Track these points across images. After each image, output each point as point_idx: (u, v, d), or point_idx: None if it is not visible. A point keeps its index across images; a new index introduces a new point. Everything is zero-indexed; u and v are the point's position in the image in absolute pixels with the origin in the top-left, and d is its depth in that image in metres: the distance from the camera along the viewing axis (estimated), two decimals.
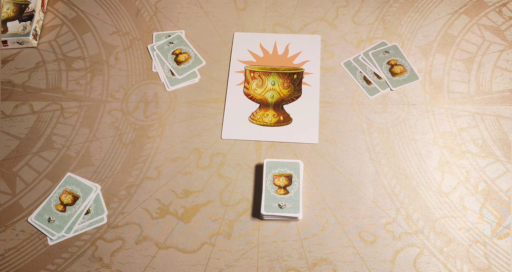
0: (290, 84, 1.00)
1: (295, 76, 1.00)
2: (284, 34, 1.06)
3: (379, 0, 1.09)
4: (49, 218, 0.88)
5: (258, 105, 0.99)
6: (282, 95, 0.99)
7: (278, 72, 1.00)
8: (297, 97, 0.99)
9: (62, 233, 0.87)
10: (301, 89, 1.00)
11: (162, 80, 1.02)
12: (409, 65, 1.01)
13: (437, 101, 0.97)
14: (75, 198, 0.90)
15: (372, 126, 0.96)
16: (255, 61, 1.03)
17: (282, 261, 0.84)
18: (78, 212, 0.89)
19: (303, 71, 1.01)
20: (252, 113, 0.98)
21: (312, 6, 1.09)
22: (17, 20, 1.06)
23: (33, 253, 0.87)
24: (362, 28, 1.06)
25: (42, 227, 0.88)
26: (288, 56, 1.03)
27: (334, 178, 0.91)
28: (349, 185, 0.90)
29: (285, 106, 0.99)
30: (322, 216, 0.88)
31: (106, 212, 0.89)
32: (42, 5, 1.10)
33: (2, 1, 1.08)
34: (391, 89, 0.99)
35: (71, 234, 0.87)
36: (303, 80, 1.01)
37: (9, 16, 1.07)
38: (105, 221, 0.89)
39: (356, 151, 0.93)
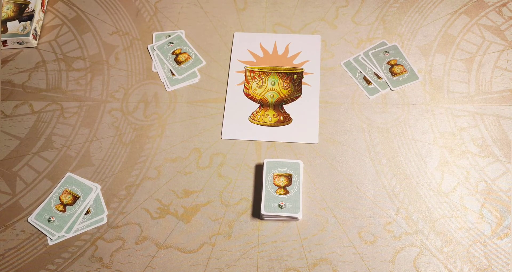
0: (290, 84, 1.00)
1: (295, 76, 1.00)
2: (284, 34, 1.06)
3: (379, 0, 1.09)
4: (49, 218, 0.88)
5: (258, 105, 0.99)
6: (282, 95, 0.99)
7: (278, 72, 1.00)
8: (297, 97, 0.99)
9: (62, 233, 0.87)
10: (301, 89, 1.00)
11: (162, 80, 1.02)
12: (409, 65, 1.01)
13: (437, 101, 0.97)
14: (75, 198, 0.90)
15: (372, 126, 0.96)
16: (255, 61, 1.03)
17: (282, 261, 0.84)
18: (78, 212, 0.89)
19: (303, 71, 1.01)
20: (252, 113, 0.98)
21: (312, 6, 1.09)
22: (17, 20, 1.06)
23: (33, 253, 0.87)
24: (362, 28, 1.06)
25: (42, 227, 0.88)
26: (288, 56, 1.03)
27: (334, 178, 0.91)
28: (349, 185, 0.90)
29: (285, 106, 0.99)
30: (322, 216, 0.88)
31: (106, 212, 0.89)
32: (42, 5, 1.10)
33: (2, 1, 1.08)
34: (391, 89, 0.99)
35: (71, 234, 0.87)
36: (303, 80, 1.01)
37: (9, 16, 1.06)
38: (105, 221, 0.89)
39: (356, 151, 0.93)
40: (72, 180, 0.92)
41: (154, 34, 1.07)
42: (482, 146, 0.92)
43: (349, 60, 1.03)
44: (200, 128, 0.97)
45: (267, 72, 1.00)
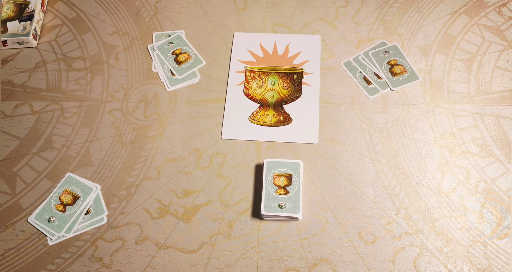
0: (290, 84, 1.00)
1: (295, 76, 1.00)
2: (284, 34, 1.06)
3: (379, 0, 1.09)
4: (49, 218, 0.88)
5: (258, 105, 0.99)
6: (282, 95, 0.99)
7: (278, 72, 1.00)
8: (297, 97, 0.99)
9: (62, 233, 0.87)
10: (301, 89, 1.00)
11: (162, 80, 1.02)
12: (409, 65, 1.01)
13: (437, 101, 0.97)
14: (75, 198, 0.90)
15: (372, 126, 0.96)
16: (255, 61, 1.03)
17: (282, 261, 0.84)
18: (78, 212, 0.89)
19: (303, 71, 1.01)
20: (252, 113, 0.98)
21: (312, 6, 1.09)
22: (17, 20, 1.06)
23: (33, 253, 0.87)
24: (362, 28, 1.06)
25: (42, 227, 0.88)
26: (288, 56, 1.03)
27: (334, 178, 0.91)
28: (349, 185, 0.90)
29: (285, 106, 0.99)
30: (322, 216, 0.88)
31: (106, 212, 0.89)
32: (42, 5, 1.10)
33: (2, 1, 1.08)
34: (391, 89, 0.99)
35: (71, 234, 0.87)
36: (303, 80, 1.01)
37: (9, 16, 1.07)
38: (105, 221, 0.89)
39: (356, 151, 0.93)
40: (72, 180, 0.92)
41: (154, 34, 1.07)
42: (482, 146, 0.92)
43: (349, 60, 1.03)
44: (200, 128, 0.97)
45: (267, 72, 1.00)
